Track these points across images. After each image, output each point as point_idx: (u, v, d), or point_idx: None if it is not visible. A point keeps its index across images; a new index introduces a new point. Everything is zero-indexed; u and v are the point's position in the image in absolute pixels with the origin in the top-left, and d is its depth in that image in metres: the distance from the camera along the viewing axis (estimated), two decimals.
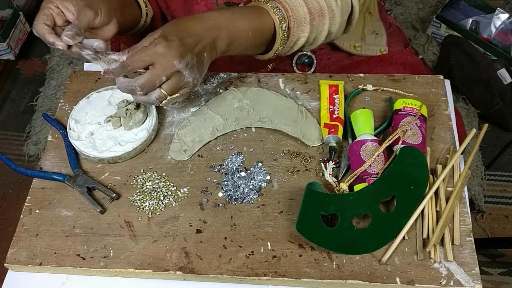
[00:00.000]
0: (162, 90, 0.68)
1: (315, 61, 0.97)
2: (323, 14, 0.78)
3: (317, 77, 0.87)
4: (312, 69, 0.97)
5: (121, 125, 0.81)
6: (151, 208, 0.74)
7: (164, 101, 0.70)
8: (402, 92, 0.83)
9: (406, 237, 0.69)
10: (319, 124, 0.80)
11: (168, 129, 0.83)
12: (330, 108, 0.81)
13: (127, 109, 0.80)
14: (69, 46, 0.70)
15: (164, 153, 0.80)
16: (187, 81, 0.68)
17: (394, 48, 1.03)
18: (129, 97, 0.78)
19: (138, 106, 0.81)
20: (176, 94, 0.69)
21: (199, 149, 0.80)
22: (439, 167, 0.74)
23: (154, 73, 0.66)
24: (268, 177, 0.76)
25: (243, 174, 0.76)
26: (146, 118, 0.82)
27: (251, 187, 0.75)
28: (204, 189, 0.76)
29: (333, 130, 0.77)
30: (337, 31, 0.83)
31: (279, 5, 0.76)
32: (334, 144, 0.78)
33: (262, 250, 0.69)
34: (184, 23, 0.71)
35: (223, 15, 0.74)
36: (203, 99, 0.86)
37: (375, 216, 0.69)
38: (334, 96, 0.82)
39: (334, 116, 0.79)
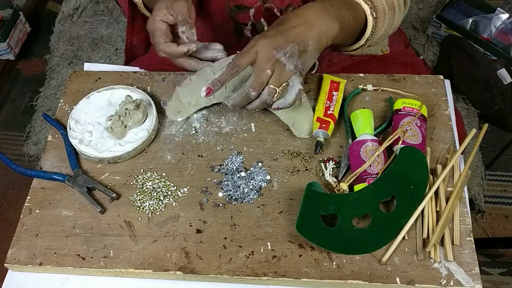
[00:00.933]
0: (270, 85, 0.70)
1: (317, 62, 0.97)
2: (394, 8, 0.81)
3: (317, 78, 0.87)
4: (314, 70, 0.97)
5: (125, 126, 0.81)
6: (151, 208, 0.74)
7: (276, 95, 0.70)
8: (402, 92, 0.83)
9: (406, 237, 0.69)
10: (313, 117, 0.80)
11: (168, 129, 0.83)
12: (326, 104, 0.80)
13: (126, 109, 0.80)
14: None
15: (164, 153, 0.80)
16: (289, 69, 0.69)
17: (395, 48, 1.03)
18: (133, 94, 0.82)
19: (137, 106, 0.81)
20: (283, 85, 0.70)
21: (193, 114, 0.79)
22: (439, 167, 0.74)
23: (259, 68, 0.69)
24: (268, 177, 0.76)
25: (243, 174, 0.76)
26: (146, 118, 0.82)
27: (251, 187, 0.75)
28: (204, 189, 0.76)
29: (324, 125, 0.77)
30: (397, 25, 0.86)
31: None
32: (322, 139, 0.77)
33: (262, 250, 0.69)
34: (286, 18, 0.72)
35: (327, 3, 0.74)
36: None
37: (375, 216, 0.69)
38: (333, 92, 0.82)
39: (329, 112, 0.79)
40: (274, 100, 0.71)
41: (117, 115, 0.81)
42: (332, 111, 0.79)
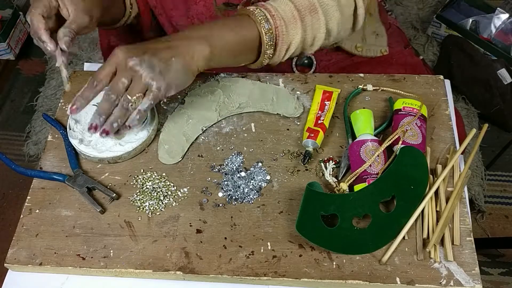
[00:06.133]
0: (127, 95, 0.67)
1: (315, 62, 0.97)
2: (315, 9, 0.75)
3: (317, 78, 0.87)
4: (312, 70, 0.97)
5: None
6: (151, 208, 0.74)
7: (130, 105, 0.68)
8: (402, 92, 0.83)
9: (406, 237, 0.69)
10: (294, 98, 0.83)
11: None
12: (318, 114, 0.80)
13: None
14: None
15: None
16: (147, 82, 0.66)
17: (394, 49, 1.03)
18: None
19: None
20: (139, 95, 0.67)
21: (188, 148, 0.79)
22: (439, 167, 0.74)
23: (116, 77, 0.67)
24: (268, 177, 0.76)
25: (243, 174, 0.76)
26: (146, 118, 0.82)
27: (251, 187, 0.75)
28: (204, 189, 0.76)
29: (312, 135, 0.77)
30: (338, 28, 0.80)
31: (261, 7, 0.74)
32: (311, 149, 0.77)
33: (262, 250, 0.69)
34: (155, 40, 0.72)
35: (200, 27, 0.76)
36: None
37: (375, 216, 0.69)
38: (325, 102, 0.82)
39: (319, 122, 0.79)
40: (131, 110, 0.68)
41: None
42: (323, 120, 0.79)
